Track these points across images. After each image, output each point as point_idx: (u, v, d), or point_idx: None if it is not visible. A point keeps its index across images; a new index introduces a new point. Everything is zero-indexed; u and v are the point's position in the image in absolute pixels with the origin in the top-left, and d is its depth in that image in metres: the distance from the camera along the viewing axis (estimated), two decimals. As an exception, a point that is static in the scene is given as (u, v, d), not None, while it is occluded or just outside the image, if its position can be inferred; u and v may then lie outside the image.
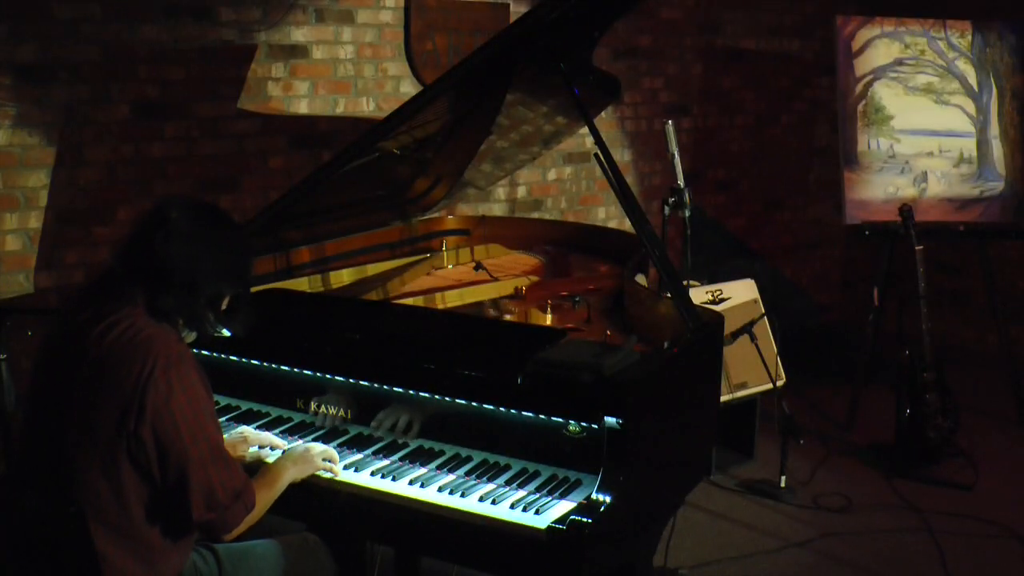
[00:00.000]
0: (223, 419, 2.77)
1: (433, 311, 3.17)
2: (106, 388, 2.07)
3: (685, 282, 3.33)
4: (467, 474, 2.47)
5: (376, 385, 2.61)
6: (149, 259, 2.16)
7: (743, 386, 4.50)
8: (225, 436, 2.58)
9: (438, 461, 2.53)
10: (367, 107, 4.63)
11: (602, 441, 2.33)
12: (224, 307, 2.28)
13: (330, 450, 2.51)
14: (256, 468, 2.46)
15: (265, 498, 2.32)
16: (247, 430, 2.63)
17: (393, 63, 4.70)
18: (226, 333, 2.55)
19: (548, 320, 3.09)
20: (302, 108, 4.43)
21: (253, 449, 2.57)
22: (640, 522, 2.56)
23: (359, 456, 2.57)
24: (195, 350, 2.74)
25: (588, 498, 2.29)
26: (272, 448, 2.59)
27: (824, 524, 4.21)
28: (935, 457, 4.65)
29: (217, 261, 2.22)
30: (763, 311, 4.55)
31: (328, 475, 2.48)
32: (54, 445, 2.14)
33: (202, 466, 2.11)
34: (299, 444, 2.55)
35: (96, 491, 2.08)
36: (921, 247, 4.66)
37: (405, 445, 2.60)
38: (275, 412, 2.79)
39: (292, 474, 2.41)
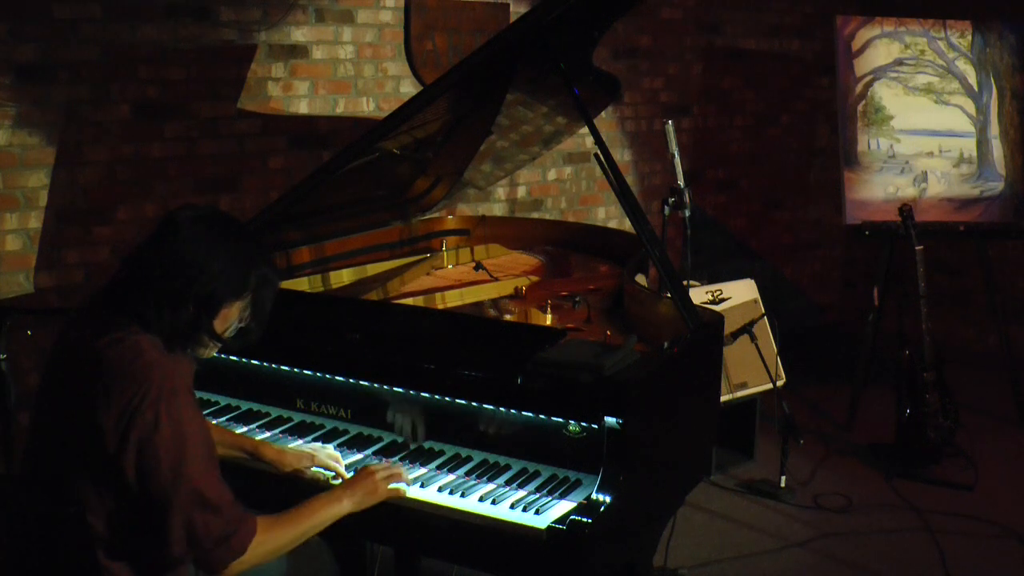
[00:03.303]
0: (223, 419, 2.77)
1: (433, 311, 3.17)
2: (100, 408, 2.00)
3: (685, 282, 3.33)
4: (467, 474, 2.47)
5: (376, 385, 2.61)
6: (150, 269, 2.08)
7: (743, 386, 4.50)
8: (291, 447, 2.54)
9: (438, 461, 2.53)
10: (367, 107, 4.63)
11: (602, 441, 2.33)
12: (235, 328, 2.19)
13: (394, 469, 2.37)
14: (312, 485, 2.42)
15: (290, 534, 2.19)
16: (319, 452, 2.51)
17: (393, 63, 4.70)
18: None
19: (548, 320, 3.09)
20: (302, 108, 4.43)
21: (315, 468, 2.49)
22: (640, 522, 2.56)
23: (359, 457, 2.57)
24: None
25: (588, 498, 2.29)
26: (335, 475, 2.48)
27: (824, 524, 4.21)
28: (935, 457, 4.65)
29: (219, 272, 2.10)
30: (763, 311, 4.55)
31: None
32: (53, 458, 2.11)
33: (181, 508, 2.01)
34: (359, 471, 2.39)
35: (90, 506, 2.04)
36: (921, 247, 4.65)
37: (405, 446, 2.60)
38: (275, 412, 2.79)
39: (347, 507, 2.27)
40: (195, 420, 2.07)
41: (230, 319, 2.17)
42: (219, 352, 2.23)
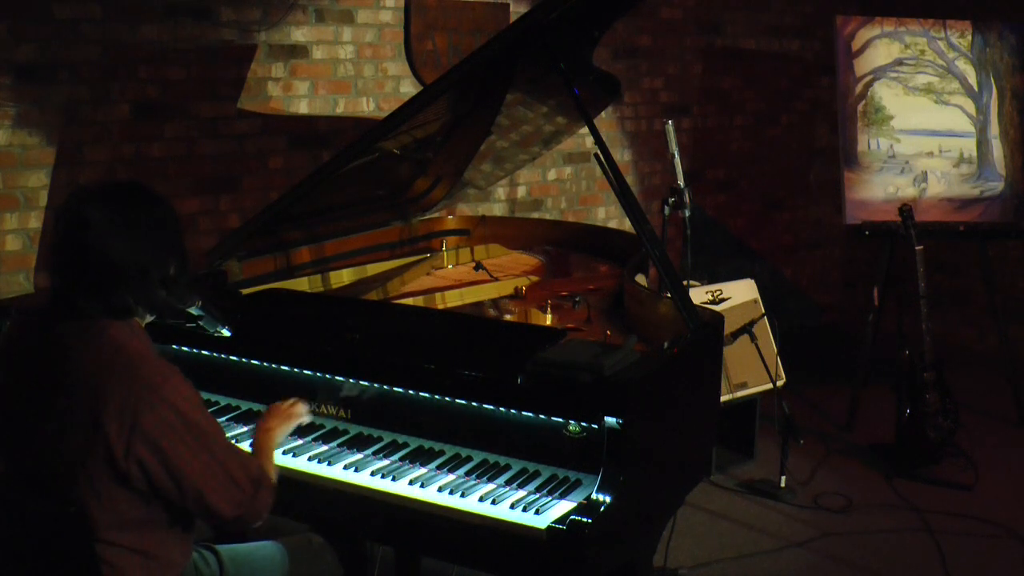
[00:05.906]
0: (223, 419, 2.76)
1: (433, 311, 3.17)
2: (100, 408, 1.99)
3: (685, 282, 3.33)
4: (467, 474, 2.47)
5: (376, 385, 2.61)
6: (88, 262, 2.05)
7: (743, 386, 4.50)
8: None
9: (438, 461, 2.53)
10: (367, 107, 4.63)
11: (602, 441, 2.33)
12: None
13: (297, 404, 2.53)
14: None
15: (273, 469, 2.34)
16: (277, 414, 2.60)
17: (393, 63, 4.70)
18: (226, 333, 2.54)
19: (548, 320, 3.09)
20: (302, 108, 4.43)
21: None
22: (640, 522, 2.56)
23: (359, 456, 2.57)
24: (196, 350, 2.76)
25: (588, 498, 2.29)
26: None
27: (824, 524, 4.21)
28: (935, 457, 4.65)
29: (154, 239, 2.10)
30: (763, 311, 4.55)
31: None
32: (34, 464, 2.09)
33: (221, 474, 2.08)
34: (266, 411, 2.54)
35: (85, 509, 2.03)
36: (921, 247, 4.65)
37: (405, 445, 2.60)
38: (275, 412, 2.79)
39: (279, 434, 2.46)
40: (192, 393, 2.09)
41: None
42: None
